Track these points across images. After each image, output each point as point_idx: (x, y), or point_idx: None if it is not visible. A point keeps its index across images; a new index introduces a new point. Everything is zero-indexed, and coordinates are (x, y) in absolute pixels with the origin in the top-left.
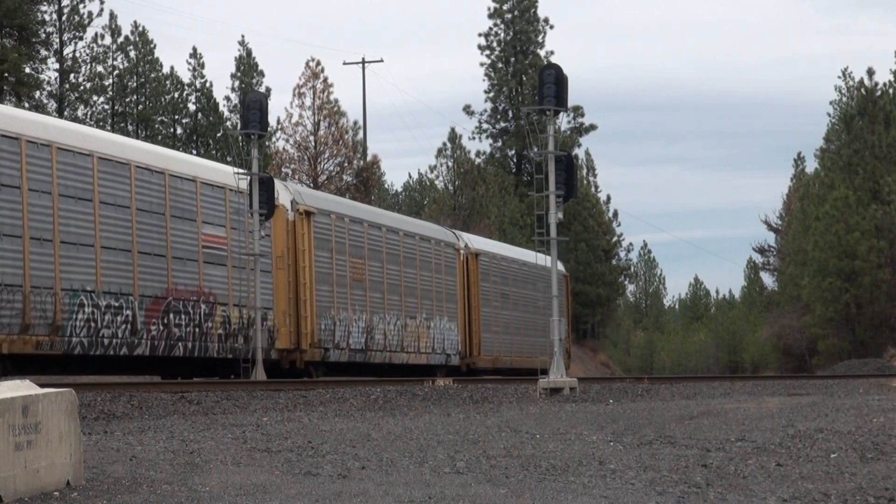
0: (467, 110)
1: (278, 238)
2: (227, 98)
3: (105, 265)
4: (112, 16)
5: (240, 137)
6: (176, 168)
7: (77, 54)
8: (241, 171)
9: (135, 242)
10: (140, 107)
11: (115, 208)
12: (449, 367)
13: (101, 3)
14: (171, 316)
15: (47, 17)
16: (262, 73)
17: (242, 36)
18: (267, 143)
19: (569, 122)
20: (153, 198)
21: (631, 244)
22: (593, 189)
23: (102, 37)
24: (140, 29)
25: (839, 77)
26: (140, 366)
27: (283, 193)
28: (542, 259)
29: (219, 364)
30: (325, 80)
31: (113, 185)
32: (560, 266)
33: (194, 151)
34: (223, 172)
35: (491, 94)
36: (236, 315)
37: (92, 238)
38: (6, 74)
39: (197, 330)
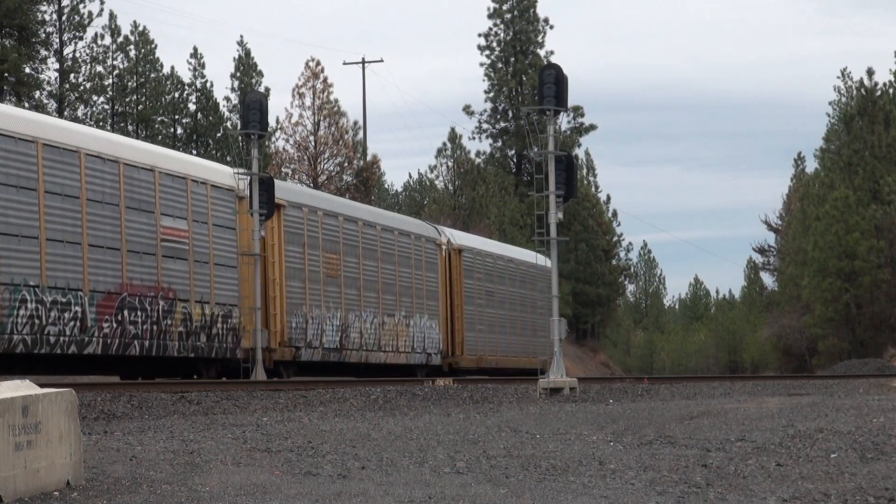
0: (467, 110)
1: (244, 232)
2: (227, 98)
3: (51, 258)
4: (112, 16)
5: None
6: (131, 157)
7: (77, 54)
8: (241, 170)
9: (85, 235)
10: (140, 107)
11: (62, 198)
12: (430, 366)
13: (102, 3)
14: (126, 313)
15: (47, 17)
16: (261, 73)
17: (241, 36)
18: (267, 143)
19: (569, 122)
20: (106, 188)
21: (631, 244)
22: (593, 189)
23: (102, 37)
24: (140, 29)
25: (838, 77)
26: (92, 365)
27: (244, 183)
28: (531, 256)
29: (180, 364)
30: (325, 80)
31: (60, 174)
32: (547, 262)
33: (194, 151)
34: (185, 162)
35: (491, 94)
36: (198, 312)
37: (36, 229)
38: (6, 74)
39: (155, 328)
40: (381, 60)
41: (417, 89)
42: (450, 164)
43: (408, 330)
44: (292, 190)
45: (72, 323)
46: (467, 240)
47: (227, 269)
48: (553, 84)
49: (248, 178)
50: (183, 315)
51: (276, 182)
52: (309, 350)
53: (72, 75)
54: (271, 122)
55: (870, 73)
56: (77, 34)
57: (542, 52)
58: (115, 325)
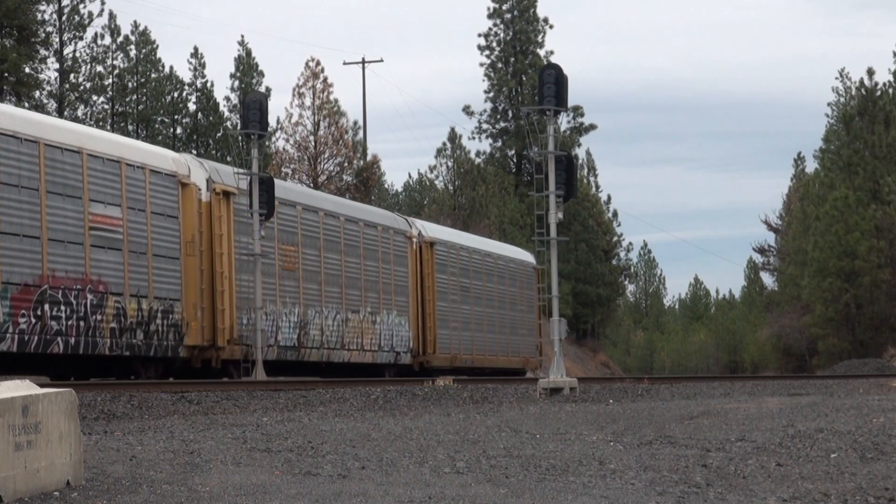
0: (467, 110)
1: (188, 221)
2: (227, 98)
3: None
4: (112, 16)
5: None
6: (54, 137)
7: (77, 54)
8: (241, 170)
9: None
10: (140, 107)
11: None
12: (399, 365)
13: (102, 3)
14: (48, 307)
15: (47, 17)
16: (262, 74)
17: (242, 36)
18: (267, 143)
19: (569, 122)
20: (22, 170)
21: (631, 244)
22: (593, 189)
23: (102, 37)
24: (140, 29)
25: (836, 78)
26: (10, 364)
27: (197, 170)
28: (512, 251)
29: (115, 363)
30: (325, 80)
31: None
32: (530, 257)
33: (194, 151)
34: (119, 144)
35: (491, 94)
36: (133, 307)
37: None
38: (6, 74)
39: (82, 323)
40: (381, 60)
41: (417, 89)
42: (450, 164)
43: (374, 327)
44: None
45: None
46: (441, 232)
47: (169, 261)
48: (553, 84)
49: (249, 177)
50: (116, 310)
51: (227, 168)
52: (263, 348)
53: (72, 75)
54: (271, 122)
55: (870, 73)
56: (77, 34)
57: (542, 52)
58: (33, 320)
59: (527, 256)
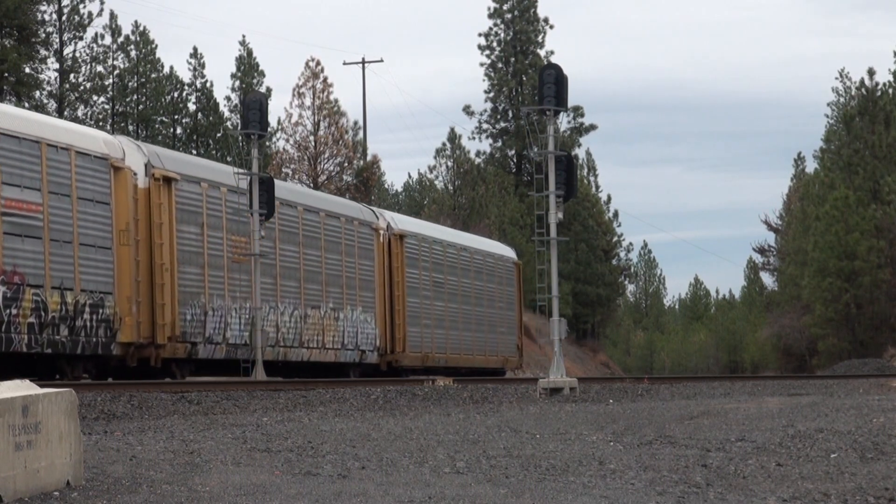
0: (467, 110)
1: (121, 208)
2: (228, 98)
3: None
4: (112, 16)
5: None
6: None
7: (77, 54)
8: (241, 171)
9: None
10: (140, 107)
11: None
12: (365, 365)
13: (102, 3)
14: None
15: (47, 17)
16: (262, 73)
17: (243, 36)
18: (267, 143)
19: (569, 122)
20: None
21: (631, 244)
22: (593, 189)
23: (102, 37)
24: (140, 29)
25: (836, 78)
26: None
27: (134, 154)
28: (491, 245)
29: (37, 361)
30: (325, 80)
31: None
32: (510, 252)
33: (194, 151)
34: (38, 124)
35: (491, 94)
36: (56, 300)
37: None
38: (6, 74)
39: None
40: (381, 60)
41: (417, 89)
42: (449, 164)
43: (336, 324)
44: (189, 162)
45: None
46: (412, 225)
47: (99, 251)
48: (553, 84)
49: (249, 177)
50: (34, 303)
51: (169, 153)
52: (209, 346)
53: (72, 75)
54: (272, 122)
55: (870, 73)
56: (77, 34)
57: (542, 52)
58: None
59: (507, 251)
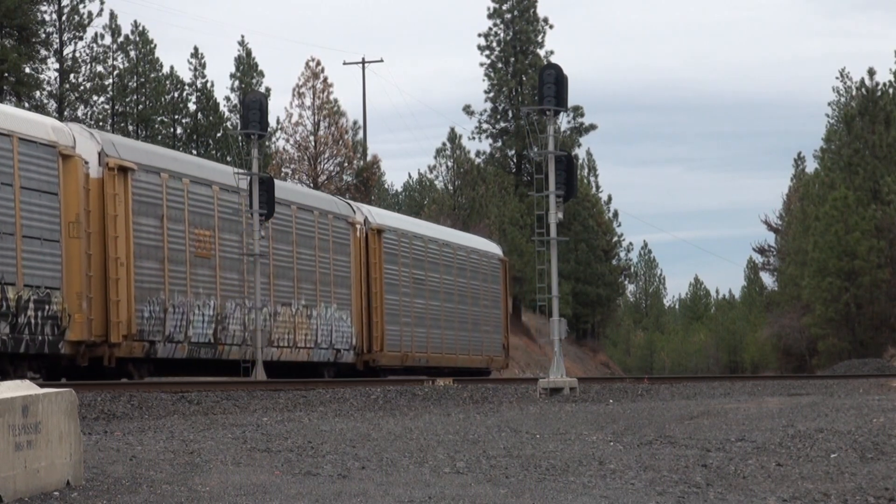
0: (467, 110)
1: (70, 198)
2: (227, 98)
3: None
4: (112, 16)
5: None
6: None
7: (77, 54)
8: (241, 171)
9: None
10: (140, 107)
11: None
12: (340, 364)
13: (102, 3)
14: None
15: (47, 17)
16: (261, 74)
17: (242, 36)
18: (267, 143)
19: (569, 122)
20: None
21: (631, 244)
22: (594, 189)
23: (102, 37)
24: (140, 29)
25: (837, 78)
26: None
27: (86, 142)
28: (475, 241)
29: None
30: (325, 80)
31: None
32: (496, 248)
33: (194, 151)
34: None
35: (491, 94)
36: None
37: None
38: (6, 74)
39: None
40: (381, 60)
41: (417, 89)
42: (449, 164)
43: (309, 322)
44: (147, 151)
45: None
46: (391, 219)
47: (45, 244)
48: (553, 84)
49: (249, 178)
50: None
51: (125, 141)
52: (169, 345)
53: (72, 75)
54: (271, 122)
55: (871, 73)
56: (77, 34)
57: (542, 52)
58: None
59: (493, 248)
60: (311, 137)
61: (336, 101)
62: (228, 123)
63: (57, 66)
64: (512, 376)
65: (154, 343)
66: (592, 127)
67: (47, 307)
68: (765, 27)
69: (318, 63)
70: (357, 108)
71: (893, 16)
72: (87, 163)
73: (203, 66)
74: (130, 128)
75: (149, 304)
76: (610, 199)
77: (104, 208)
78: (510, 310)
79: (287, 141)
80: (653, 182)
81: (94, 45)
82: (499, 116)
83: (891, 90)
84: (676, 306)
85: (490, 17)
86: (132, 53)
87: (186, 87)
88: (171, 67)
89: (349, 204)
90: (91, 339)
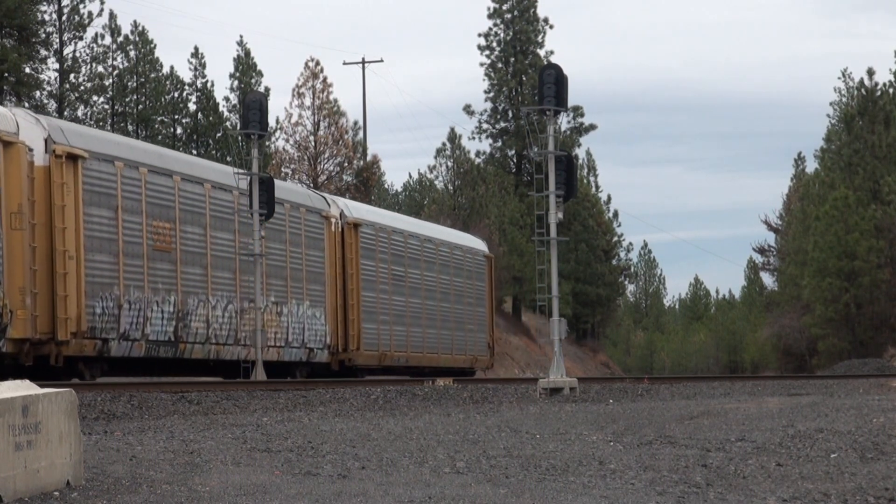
0: (467, 110)
1: (12, 188)
2: (227, 98)
3: None
4: (112, 16)
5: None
6: None
7: (77, 54)
8: (241, 171)
9: None
10: (140, 107)
11: None
12: (313, 364)
13: (102, 3)
14: None
15: (47, 17)
16: (260, 74)
17: (241, 36)
18: (267, 143)
19: (569, 122)
20: None
21: (631, 244)
22: (594, 189)
23: (102, 37)
24: (140, 29)
25: (839, 78)
26: None
27: (31, 128)
28: (459, 237)
29: None
30: (325, 80)
31: None
32: (483, 245)
33: (194, 151)
34: None
35: (491, 94)
36: None
37: None
38: (6, 74)
39: None
40: (381, 60)
41: (418, 89)
42: (449, 164)
43: (279, 319)
44: (99, 138)
45: None
46: (369, 213)
47: None
48: (553, 84)
49: (248, 178)
50: None
51: (75, 127)
52: (124, 343)
53: (72, 75)
54: (271, 122)
55: (870, 73)
56: (77, 34)
57: (542, 52)
58: None
59: (477, 244)
60: (311, 137)
61: (336, 101)
62: (228, 123)
63: (57, 66)
64: (512, 376)
65: (107, 341)
66: (592, 127)
67: None
68: (765, 27)
69: (318, 63)
70: (357, 108)
71: (894, 16)
72: (31, 150)
73: (203, 66)
74: (130, 128)
75: (101, 299)
76: (610, 199)
77: (51, 198)
78: (491, 307)
79: (287, 141)
80: (653, 182)
81: (94, 45)
82: (499, 116)
83: (891, 90)
84: (676, 306)
85: (490, 17)
86: (132, 53)
87: (186, 87)
88: (171, 67)
89: (324, 197)
90: (36, 337)
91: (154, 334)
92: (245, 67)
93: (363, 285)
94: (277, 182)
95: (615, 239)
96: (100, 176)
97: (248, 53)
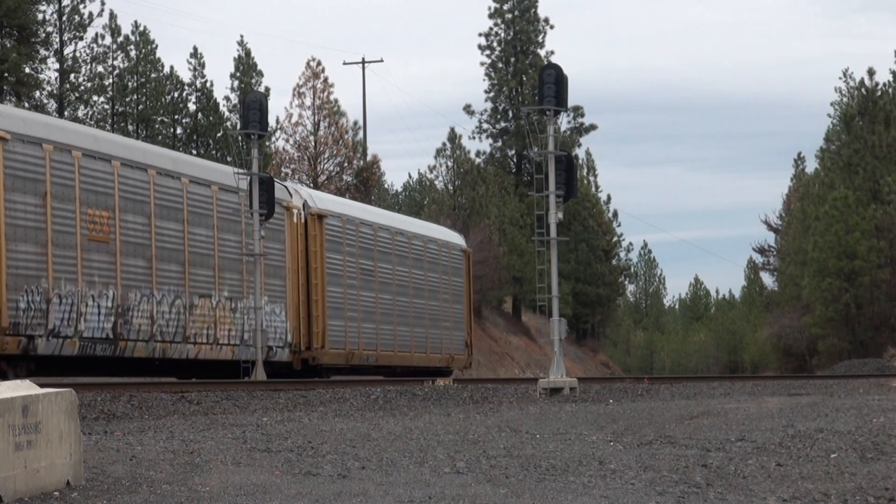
0: (467, 110)
1: None
2: (227, 98)
3: None
4: (112, 16)
5: (240, 137)
6: None
7: (77, 54)
8: (241, 171)
9: None
10: (140, 107)
11: None
12: (273, 363)
13: (102, 3)
14: None
15: (47, 17)
16: (261, 74)
17: (241, 36)
18: (267, 143)
19: (569, 122)
20: None
21: (631, 244)
22: (593, 189)
23: (102, 37)
24: (140, 29)
25: (840, 78)
26: None
27: None
28: (435, 230)
29: None
30: (325, 80)
31: None
32: (460, 240)
33: (194, 151)
34: None
35: (491, 94)
36: None
37: None
38: (6, 74)
39: None
40: (381, 60)
41: (418, 89)
42: (449, 164)
43: (233, 316)
44: (23, 118)
45: None
46: (335, 204)
47: None
48: (553, 84)
49: (248, 177)
50: None
51: None
52: (54, 340)
53: (72, 75)
54: (271, 122)
55: (870, 73)
56: (77, 34)
57: (542, 52)
58: None
59: (454, 238)
60: (311, 137)
61: (336, 101)
62: (228, 123)
63: (57, 66)
64: (512, 376)
65: (33, 338)
66: (592, 127)
67: None
68: (765, 27)
69: (319, 63)
70: (357, 108)
71: (894, 16)
72: None
73: (203, 66)
74: (130, 127)
75: (27, 293)
76: (610, 199)
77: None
78: (469, 303)
79: (287, 141)
80: (653, 182)
81: (94, 45)
82: (499, 116)
83: (890, 90)
84: (676, 306)
85: (491, 16)
86: (132, 53)
87: (186, 87)
88: (171, 67)
89: (285, 186)
90: None
91: (89, 331)
92: (245, 67)
93: (329, 280)
94: (232, 169)
95: (615, 239)
96: (25, 159)
97: (248, 53)
